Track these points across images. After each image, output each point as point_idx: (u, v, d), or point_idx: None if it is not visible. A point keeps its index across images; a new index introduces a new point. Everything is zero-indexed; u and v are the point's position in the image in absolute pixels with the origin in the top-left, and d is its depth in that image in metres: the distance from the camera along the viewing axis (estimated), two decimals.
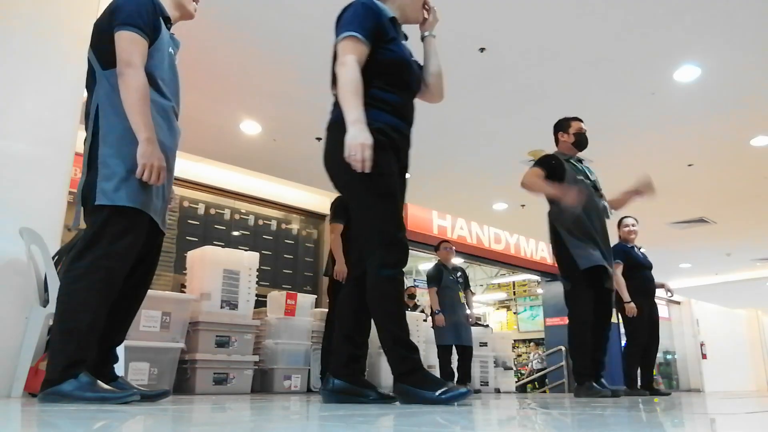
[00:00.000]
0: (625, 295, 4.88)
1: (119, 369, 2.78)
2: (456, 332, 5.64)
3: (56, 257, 2.81)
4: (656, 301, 5.21)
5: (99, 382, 1.86)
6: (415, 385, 1.84)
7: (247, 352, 4.34)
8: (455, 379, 5.69)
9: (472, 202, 8.09)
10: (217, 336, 4.19)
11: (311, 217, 7.95)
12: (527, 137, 5.83)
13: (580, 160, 3.93)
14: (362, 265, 2.06)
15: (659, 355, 13.84)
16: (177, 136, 2.17)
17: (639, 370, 5.00)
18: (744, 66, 4.52)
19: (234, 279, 4.39)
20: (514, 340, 12.21)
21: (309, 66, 4.52)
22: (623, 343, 11.10)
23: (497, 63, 4.58)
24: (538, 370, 11.84)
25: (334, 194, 4.39)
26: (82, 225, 2.07)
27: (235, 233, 7.14)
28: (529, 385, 11.35)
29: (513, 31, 4.20)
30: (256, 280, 4.60)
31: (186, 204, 6.71)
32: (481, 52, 4.41)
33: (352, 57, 2.04)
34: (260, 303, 5.08)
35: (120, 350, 2.89)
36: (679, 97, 4.99)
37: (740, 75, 4.64)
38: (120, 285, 1.99)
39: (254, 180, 7.10)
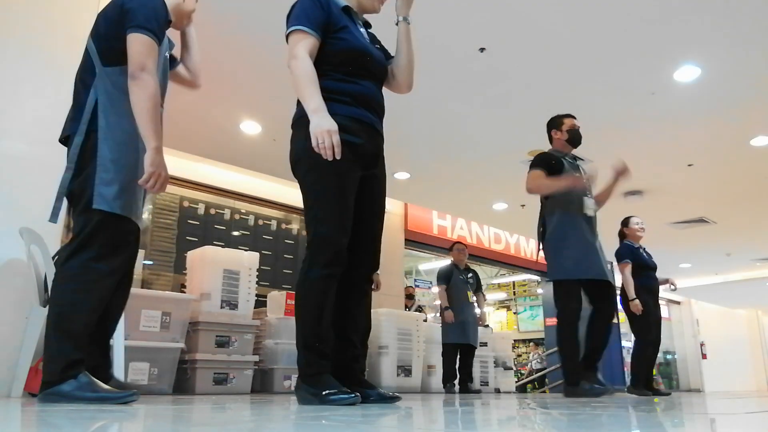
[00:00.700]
0: (631, 293, 4.89)
1: (119, 369, 2.78)
2: (462, 331, 5.66)
3: (56, 257, 2.81)
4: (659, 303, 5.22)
5: (98, 382, 1.86)
6: (314, 386, 1.87)
7: (247, 352, 4.34)
8: (457, 379, 5.69)
9: (472, 202, 8.09)
10: (217, 336, 4.19)
11: None
12: (527, 137, 5.83)
13: (574, 158, 3.94)
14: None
15: (659, 354, 13.88)
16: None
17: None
18: (744, 66, 4.51)
19: (234, 279, 4.39)
20: (514, 340, 12.20)
21: None
22: (623, 343, 11.14)
23: (497, 63, 4.58)
24: (538, 370, 11.83)
25: None
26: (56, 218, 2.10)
27: (235, 233, 7.14)
28: (528, 385, 11.35)
29: (513, 31, 4.20)
30: (256, 280, 4.60)
31: (186, 204, 6.71)
32: (481, 52, 4.41)
33: (301, 49, 2.01)
34: (260, 303, 5.08)
35: (120, 350, 2.90)
36: (679, 97, 4.99)
37: (740, 75, 4.64)
38: (113, 289, 2.00)
39: (254, 180, 7.09)
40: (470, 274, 6.07)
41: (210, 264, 4.32)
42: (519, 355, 13.34)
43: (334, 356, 2.05)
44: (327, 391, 1.83)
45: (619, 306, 4.84)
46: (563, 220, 3.64)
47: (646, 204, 7.50)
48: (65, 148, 3.13)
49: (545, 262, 3.76)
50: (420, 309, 8.50)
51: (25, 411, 1.69)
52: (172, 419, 1.38)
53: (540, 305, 12.35)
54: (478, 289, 6.11)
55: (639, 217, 5.31)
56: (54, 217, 2.05)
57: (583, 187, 3.59)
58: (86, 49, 2.09)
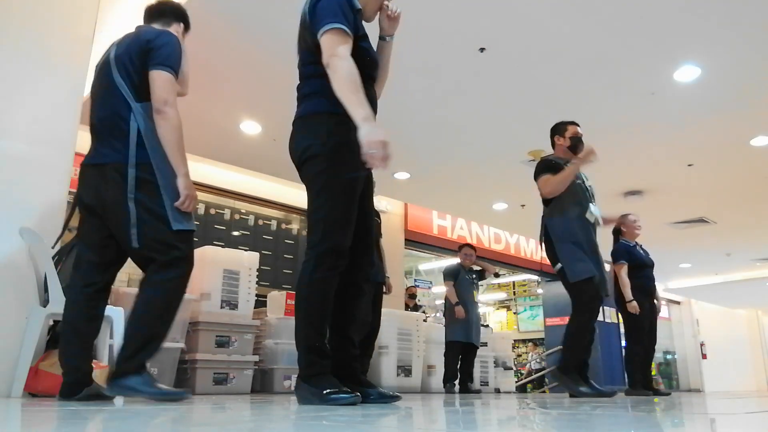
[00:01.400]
0: (628, 295, 4.89)
1: None
2: (466, 330, 5.68)
3: (56, 257, 2.82)
4: (655, 301, 5.21)
5: (157, 380, 2.12)
6: (315, 386, 1.87)
7: (247, 352, 4.34)
8: (458, 378, 5.69)
9: (472, 202, 8.09)
10: (217, 336, 4.19)
11: None
12: (527, 137, 5.83)
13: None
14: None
15: (659, 355, 13.88)
16: None
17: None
18: (744, 66, 4.51)
19: (234, 279, 4.39)
20: (514, 340, 12.20)
21: None
22: (623, 343, 11.12)
23: (497, 63, 4.58)
24: (537, 370, 11.83)
25: None
26: None
27: (235, 233, 7.14)
28: (528, 385, 11.35)
29: (513, 31, 4.20)
30: (256, 280, 4.60)
31: None
32: (481, 52, 4.41)
33: (345, 49, 1.96)
34: (260, 303, 5.08)
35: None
36: (679, 97, 4.99)
37: (740, 75, 4.64)
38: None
39: (254, 180, 7.09)
40: (475, 275, 6.17)
41: (210, 264, 4.32)
42: (519, 355, 13.34)
43: (334, 355, 2.05)
44: (327, 391, 1.83)
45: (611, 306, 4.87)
46: (570, 220, 3.64)
47: (646, 204, 7.50)
48: (65, 149, 3.14)
49: (549, 263, 3.78)
50: (417, 307, 8.50)
51: (25, 411, 1.69)
52: (172, 419, 1.38)
53: (540, 305, 12.35)
54: (480, 278, 6.26)
55: (633, 214, 5.28)
56: (136, 242, 2.14)
57: (592, 152, 3.64)
58: (113, 83, 2.19)
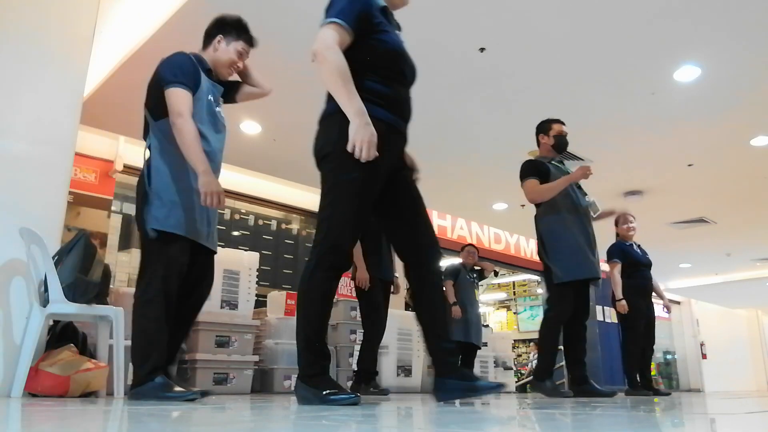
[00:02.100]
0: (618, 294, 4.88)
1: (119, 370, 2.78)
2: (465, 330, 5.68)
3: (56, 257, 2.82)
4: (654, 301, 5.20)
5: (171, 383, 2.26)
6: (315, 386, 1.86)
7: (247, 352, 4.34)
8: None
9: (472, 202, 8.09)
10: (217, 336, 4.19)
11: (311, 217, 7.95)
12: (527, 137, 5.80)
13: (561, 162, 3.98)
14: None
15: (659, 355, 13.87)
16: (216, 170, 2.51)
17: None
18: (744, 66, 4.51)
19: (234, 279, 4.39)
20: (514, 340, 12.19)
21: (309, 66, 4.51)
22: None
23: (497, 63, 4.58)
24: None
25: None
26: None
27: (235, 233, 7.14)
28: (528, 385, 11.35)
29: (513, 31, 4.20)
30: (256, 280, 4.60)
31: None
32: (481, 52, 4.41)
33: (331, 40, 1.97)
34: (260, 303, 5.08)
35: (121, 350, 2.91)
36: (679, 97, 4.99)
37: (740, 75, 4.64)
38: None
39: (254, 180, 7.09)
40: (476, 275, 6.20)
41: None
42: (519, 355, 13.33)
43: (432, 354, 2.04)
44: (327, 392, 1.82)
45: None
46: (564, 219, 3.65)
47: (646, 204, 7.50)
48: (65, 149, 3.21)
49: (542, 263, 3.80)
50: None
51: (25, 411, 1.69)
52: (172, 419, 1.38)
53: (540, 305, 12.35)
54: (481, 278, 6.33)
55: (631, 215, 5.27)
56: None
57: (586, 172, 3.64)
58: (144, 115, 2.52)
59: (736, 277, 12.47)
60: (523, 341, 13.73)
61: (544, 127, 3.94)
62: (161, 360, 2.32)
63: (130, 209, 5.92)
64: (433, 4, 3.80)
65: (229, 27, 2.69)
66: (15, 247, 2.76)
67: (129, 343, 3.39)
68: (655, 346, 5.21)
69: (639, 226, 5.31)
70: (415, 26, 2.41)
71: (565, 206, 3.71)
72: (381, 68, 2.07)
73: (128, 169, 5.76)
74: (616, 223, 5.22)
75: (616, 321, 5.22)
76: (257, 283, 4.64)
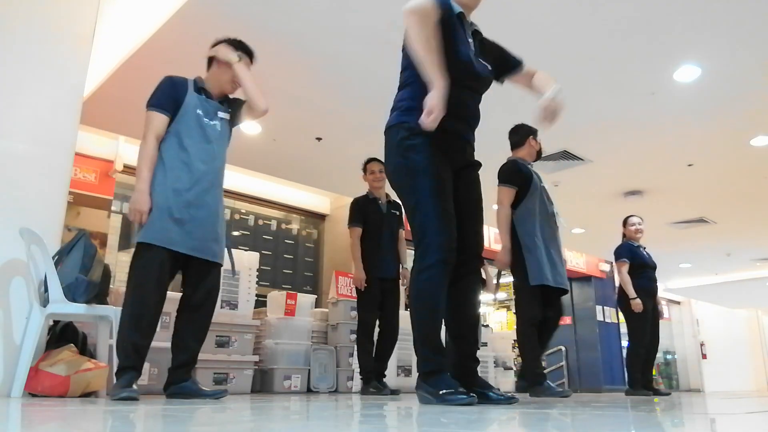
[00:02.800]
0: (631, 292, 4.89)
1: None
2: None
3: (56, 257, 2.82)
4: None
5: (126, 382, 2.40)
6: (431, 385, 1.90)
7: (247, 352, 4.34)
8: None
9: None
10: (217, 336, 4.19)
11: (311, 217, 7.95)
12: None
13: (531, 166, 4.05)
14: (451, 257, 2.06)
15: (659, 354, 13.85)
16: (203, 178, 2.67)
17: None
18: (744, 66, 4.51)
19: (234, 279, 4.39)
20: (514, 340, 12.18)
21: (309, 66, 4.52)
22: (624, 343, 11.14)
23: None
24: None
25: (334, 194, 4.39)
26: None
27: (235, 233, 7.14)
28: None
29: (513, 31, 4.19)
30: (256, 280, 4.60)
31: None
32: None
33: (418, 12, 2.00)
34: (260, 303, 5.08)
35: None
36: (679, 97, 4.99)
37: (740, 75, 4.64)
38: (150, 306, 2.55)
39: (254, 180, 7.09)
40: None
41: None
42: (519, 355, 13.31)
43: (450, 356, 2.08)
44: (444, 391, 1.86)
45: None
46: (526, 228, 3.73)
47: (646, 204, 7.50)
48: (65, 149, 3.25)
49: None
50: None
51: (25, 411, 1.69)
52: (172, 419, 1.38)
53: None
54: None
55: (638, 216, 5.31)
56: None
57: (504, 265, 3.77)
58: None
59: (736, 277, 12.46)
60: None
61: (534, 132, 4.01)
62: (128, 361, 2.47)
63: None
64: None
65: (227, 44, 2.88)
66: (15, 247, 2.76)
67: None
68: (658, 347, 5.22)
69: (648, 227, 5.34)
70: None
71: (539, 212, 3.77)
72: (450, 77, 2.07)
73: (128, 169, 5.76)
74: (624, 224, 5.24)
75: (616, 321, 5.22)
76: (257, 283, 4.64)
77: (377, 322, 4.31)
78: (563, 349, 10.74)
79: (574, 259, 10.49)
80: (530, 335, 3.73)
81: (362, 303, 4.28)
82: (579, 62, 4.55)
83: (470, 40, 2.27)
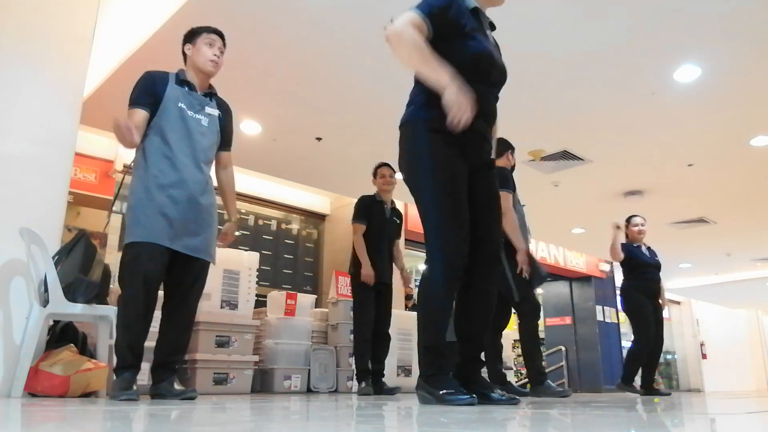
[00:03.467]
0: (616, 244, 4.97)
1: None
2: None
3: (56, 257, 2.82)
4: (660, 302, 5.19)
5: (125, 383, 2.37)
6: (432, 385, 1.91)
7: (247, 352, 4.34)
8: None
9: None
10: (217, 336, 4.19)
11: (311, 217, 7.95)
12: (527, 137, 5.82)
13: None
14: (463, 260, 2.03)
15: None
16: (186, 172, 2.61)
17: (641, 370, 4.97)
18: (744, 66, 4.51)
19: (234, 279, 4.39)
20: (514, 340, 12.17)
21: (309, 66, 4.52)
22: (625, 343, 11.15)
23: None
24: None
25: (334, 194, 4.39)
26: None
27: (236, 233, 7.14)
28: (528, 385, 11.37)
29: (513, 31, 4.19)
30: (256, 280, 4.60)
31: None
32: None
33: (407, 22, 1.97)
34: (260, 303, 5.08)
35: None
36: (679, 97, 4.99)
37: (740, 75, 4.64)
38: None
39: (254, 180, 7.09)
40: None
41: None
42: (519, 355, 13.31)
43: (455, 355, 2.09)
44: (444, 392, 1.86)
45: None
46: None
47: (646, 204, 7.49)
48: (65, 149, 3.23)
49: (548, 263, 3.89)
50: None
51: (25, 411, 1.69)
52: (172, 419, 1.38)
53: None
54: None
55: (641, 216, 5.28)
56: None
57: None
58: None
59: (736, 277, 12.46)
60: None
61: (512, 148, 4.12)
62: (124, 361, 2.44)
63: None
64: None
65: (189, 34, 2.79)
66: (15, 247, 2.76)
67: None
68: (662, 347, 5.20)
69: (648, 227, 5.33)
70: None
71: (520, 219, 3.88)
72: (463, 72, 2.01)
73: (128, 169, 5.76)
74: (626, 225, 5.23)
75: (616, 321, 5.21)
76: (257, 283, 4.64)
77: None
78: (563, 349, 10.75)
79: (574, 259, 10.49)
80: (533, 336, 3.88)
81: (359, 304, 4.27)
82: (579, 62, 4.55)
83: (488, 32, 2.24)
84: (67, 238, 2.99)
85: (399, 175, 2.34)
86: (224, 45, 2.81)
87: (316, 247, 7.95)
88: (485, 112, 2.13)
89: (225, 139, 2.96)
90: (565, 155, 6.24)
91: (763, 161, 6.27)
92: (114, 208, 5.96)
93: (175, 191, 2.55)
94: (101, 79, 4.70)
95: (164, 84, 2.64)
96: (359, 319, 4.25)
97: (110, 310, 2.89)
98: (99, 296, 2.90)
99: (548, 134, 5.80)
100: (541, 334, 12.61)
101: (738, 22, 3.98)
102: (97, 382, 2.76)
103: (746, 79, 4.70)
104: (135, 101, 2.59)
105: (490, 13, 2.40)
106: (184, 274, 2.63)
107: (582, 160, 6.34)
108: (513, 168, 4.12)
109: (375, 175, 4.47)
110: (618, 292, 5.08)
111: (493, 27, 2.31)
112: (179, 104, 2.63)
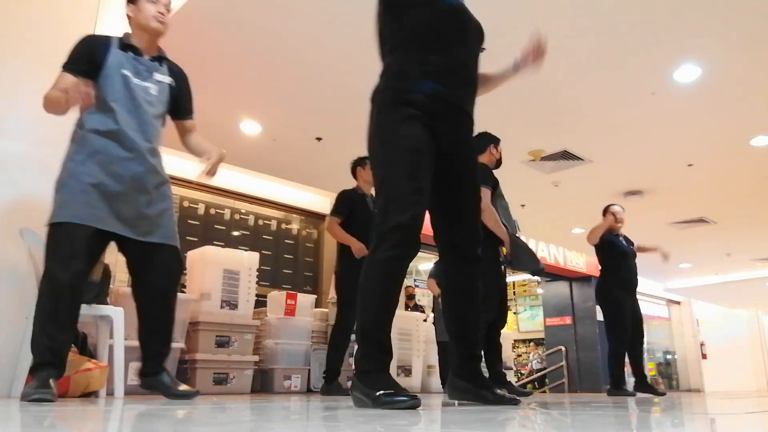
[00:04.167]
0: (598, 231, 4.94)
1: (119, 370, 2.78)
2: None
3: None
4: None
5: (41, 381, 2.10)
6: (368, 386, 1.66)
7: (247, 352, 4.34)
8: None
9: None
10: (217, 336, 4.19)
11: (311, 217, 7.94)
12: (527, 137, 5.83)
13: None
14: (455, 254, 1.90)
15: (659, 354, 13.87)
16: (133, 147, 2.36)
17: (631, 368, 4.92)
18: (744, 66, 4.51)
19: (234, 279, 4.38)
20: (514, 340, 12.19)
21: (309, 66, 4.52)
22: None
23: (497, 63, 4.57)
24: (538, 370, 11.84)
25: (335, 194, 4.37)
26: None
27: (235, 233, 7.14)
28: (528, 385, 11.36)
29: (513, 31, 4.19)
30: (256, 280, 4.60)
31: (186, 204, 6.72)
32: (481, 52, 4.40)
33: None
34: (260, 303, 5.08)
35: (121, 350, 2.91)
36: (679, 97, 4.99)
37: (740, 75, 4.64)
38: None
39: (254, 180, 7.09)
40: None
41: (210, 264, 4.32)
42: (519, 355, 13.34)
43: (452, 356, 1.97)
44: (380, 393, 1.60)
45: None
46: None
47: (646, 204, 7.50)
48: (65, 148, 3.21)
49: (548, 264, 3.89)
50: (417, 307, 8.48)
51: (25, 411, 1.69)
52: (172, 419, 1.38)
53: (540, 305, 12.35)
54: None
55: (619, 206, 5.21)
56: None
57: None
58: None
59: (736, 277, 12.46)
60: (524, 341, 13.74)
61: (496, 141, 4.08)
62: (43, 357, 2.18)
63: None
64: None
65: None
66: (15, 247, 2.76)
67: (129, 343, 3.40)
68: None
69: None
70: None
71: (502, 215, 3.87)
72: (440, 27, 1.90)
73: None
74: (604, 213, 5.15)
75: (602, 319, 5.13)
76: (257, 283, 4.64)
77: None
78: (563, 349, 10.75)
79: (574, 259, 10.49)
80: (496, 336, 3.91)
81: (346, 303, 4.12)
82: (579, 62, 4.55)
83: None
84: None
85: None
86: (170, 2, 2.57)
87: (316, 247, 7.94)
88: (463, 79, 1.98)
89: (184, 108, 2.69)
90: (565, 155, 6.24)
91: (763, 161, 6.27)
92: None
93: (119, 167, 2.31)
94: None
95: (105, 49, 2.38)
96: (344, 319, 4.09)
97: (110, 310, 2.89)
98: (99, 296, 2.90)
99: (548, 134, 5.80)
100: (541, 334, 12.65)
101: (738, 22, 3.98)
102: (97, 382, 2.77)
103: (746, 79, 4.70)
104: (67, 66, 2.36)
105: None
106: (146, 262, 2.39)
107: (582, 160, 6.35)
108: (499, 161, 4.05)
109: (355, 171, 4.39)
110: (595, 286, 5.01)
111: None
112: (123, 71, 2.38)
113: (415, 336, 5.68)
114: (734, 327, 15.95)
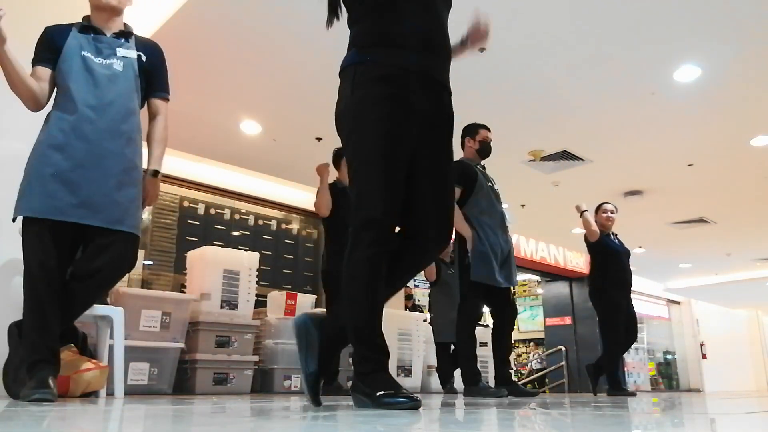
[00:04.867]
0: (592, 229, 4.90)
1: (119, 370, 2.78)
2: (453, 330, 5.58)
3: None
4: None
5: (30, 381, 2.08)
6: (367, 386, 1.61)
7: (247, 352, 4.34)
8: (453, 380, 5.65)
9: None
10: (217, 336, 4.20)
11: (311, 217, 7.94)
12: (527, 137, 5.83)
13: (483, 167, 4.06)
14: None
15: (659, 354, 13.86)
16: (94, 129, 2.29)
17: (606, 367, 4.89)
18: (744, 66, 4.51)
19: (234, 279, 4.39)
20: (514, 340, 12.19)
21: (309, 66, 4.52)
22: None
23: (497, 63, 4.58)
24: (538, 370, 11.84)
25: None
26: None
27: (235, 233, 7.14)
28: (528, 385, 11.36)
29: (513, 31, 4.20)
30: (256, 280, 4.60)
31: (186, 204, 6.72)
32: (481, 52, 4.40)
33: None
34: (260, 303, 5.08)
35: (121, 350, 2.91)
36: (679, 97, 4.99)
37: (740, 75, 4.64)
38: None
39: (254, 180, 7.09)
40: (450, 270, 6.00)
41: (210, 264, 4.32)
42: (519, 355, 13.34)
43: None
44: (381, 393, 1.56)
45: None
46: (484, 224, 3.77)
47: (646, 204, 7.50)
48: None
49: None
50: (416, 308, 8.48)
51: (25, 411, 1.69)
52: (172, 419, 1.38)
53: (540, 305, 12.36)
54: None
55: (612, 204, 5.20)
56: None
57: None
58: None
59: (736, 277, 12.46)
60: (523, 341, 13.74)
61: (471, 131, 4.01)
62: (35, 355, 2.17)
63: None
64: None
65: None
66: (15, 247, 2.76)
67: (129, 343, 3.40)
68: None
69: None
70: None
71: (486, 212, 3.81)
72: (391, 2, 1.77)
73: None
74: (595, 212, 5.15)
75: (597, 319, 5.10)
76: (257, 283, 4.64)
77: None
78: (563, 349, 10.75)
79: (574, 259, 10.49)
80: (469, 336, 3.81)
81: (336, 301, 4.17)
82: (579, 62, 4.55)
83: None
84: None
85: None
86: None
87: (316, 247, 7.94)
88: (434, 47, 1.84)
89: (154, 83, 2.54)
90: (565, 155, 6.24)
91: (763, 161, 6.27)
92: None
93: (79, 152, 2.24)
94: None
95: (64, 36, 2.41)
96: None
97: (110, 310, 2.89)
98: None
99: (548, 134, 5.80)
100: (541, 334, 12.65)
101: (738, 22, 3.98)
102: (97, 382, 2.76)
103: (746, 79, 4.70)
104: (33, 60, 2.41)
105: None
106: (99, 250, 2.29)
107: (582, 160, 6.35)
108: (485, 149, 3.97)
109: (338, 163, 4.37)
110: (588, 284, 4.99)
111: None
112: (82, 53, 2.37)
113: (414, 336, 5.68)
114: (734, 327, 15.95)
